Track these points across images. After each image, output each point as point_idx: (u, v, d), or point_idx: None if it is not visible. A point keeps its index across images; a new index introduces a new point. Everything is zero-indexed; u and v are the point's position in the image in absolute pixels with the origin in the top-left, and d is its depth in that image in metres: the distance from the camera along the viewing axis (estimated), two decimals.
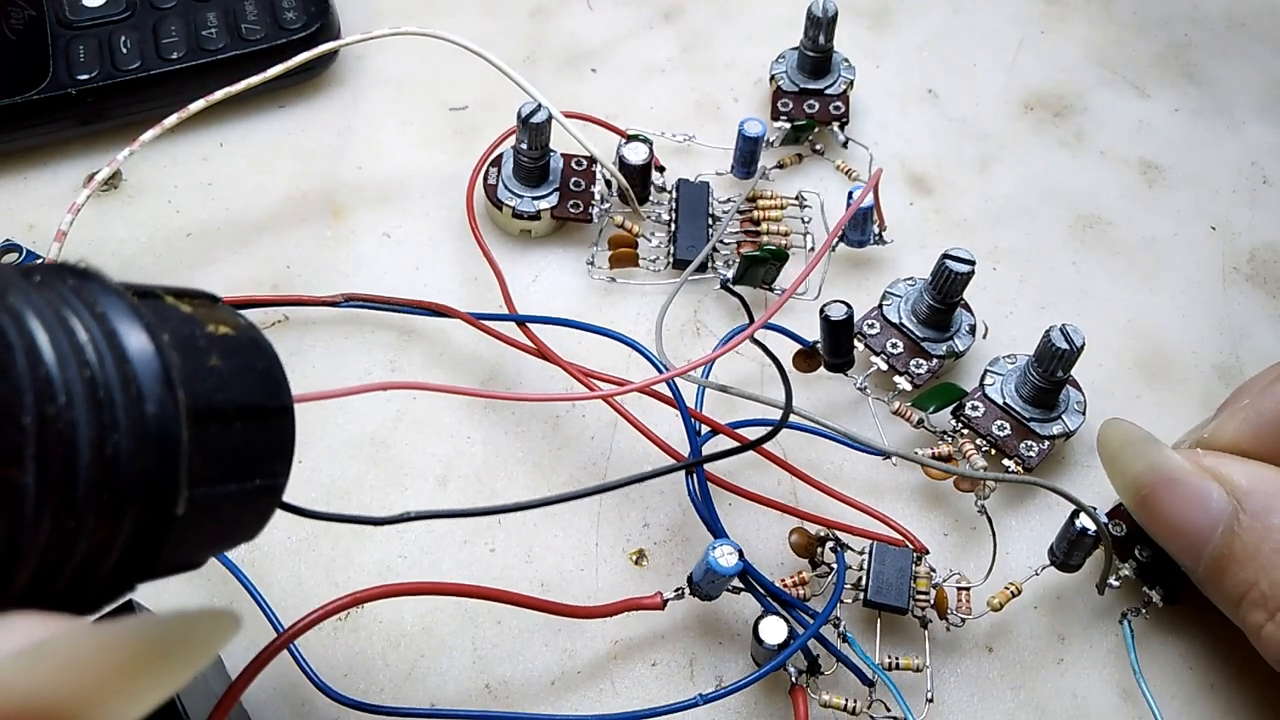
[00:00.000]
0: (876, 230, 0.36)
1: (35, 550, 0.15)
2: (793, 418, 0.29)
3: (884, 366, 0.34)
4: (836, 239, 0.36)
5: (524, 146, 0.35)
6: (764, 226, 0.37)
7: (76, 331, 0.16)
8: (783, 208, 0.37)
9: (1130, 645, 0.30)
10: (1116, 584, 0.31)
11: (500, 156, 0.37)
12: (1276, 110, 0.42)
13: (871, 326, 0.34)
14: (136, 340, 0.16)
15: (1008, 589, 0.31)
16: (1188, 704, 0.31)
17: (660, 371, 0.31)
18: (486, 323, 0.33)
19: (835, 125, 0.39)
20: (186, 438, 0.16)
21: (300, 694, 0.29)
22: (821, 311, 0.31)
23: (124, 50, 0.37)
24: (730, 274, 0.35)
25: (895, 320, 0.34)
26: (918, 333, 0.34)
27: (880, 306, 0.34)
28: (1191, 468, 0.28)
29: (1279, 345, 0.37)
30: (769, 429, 0.28)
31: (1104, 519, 0.29)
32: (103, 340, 0.16)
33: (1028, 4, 0.44)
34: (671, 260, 0.36)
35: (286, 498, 0.21)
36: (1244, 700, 0.31)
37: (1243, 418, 0.29)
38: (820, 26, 0.38)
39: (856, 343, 0.33)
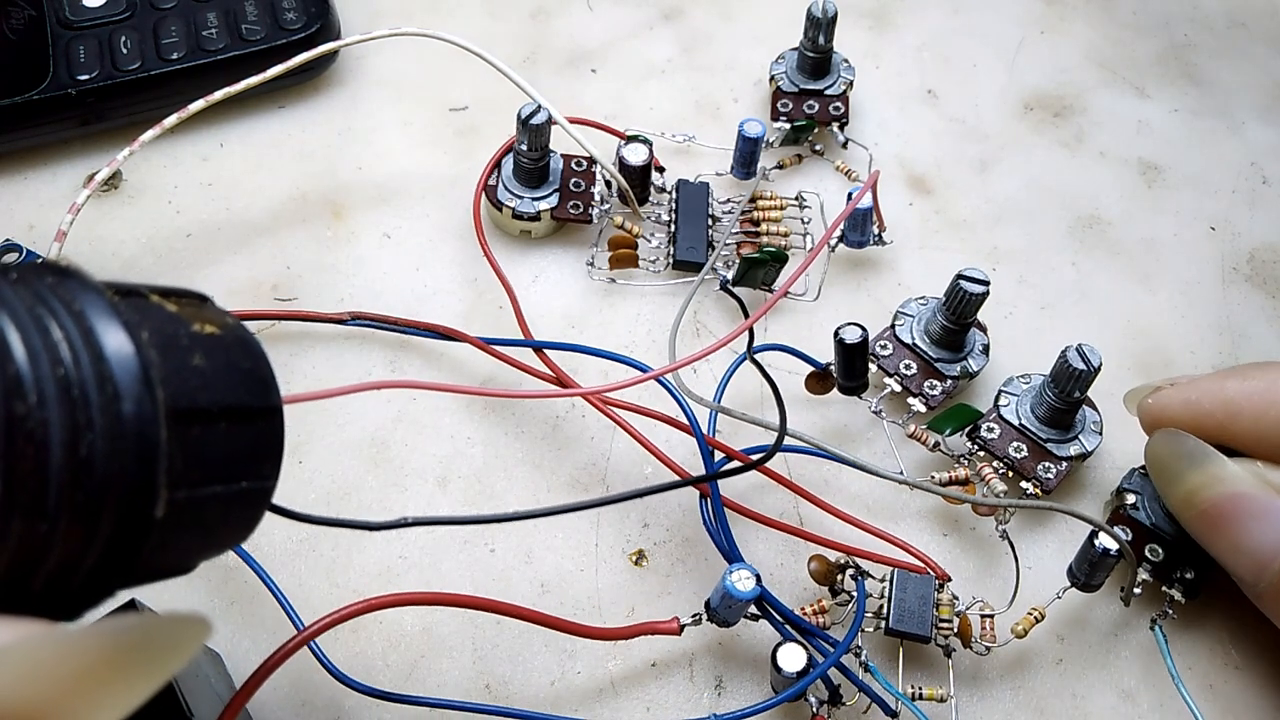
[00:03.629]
0: (876, 231, 0.36)
1: (4, 553, 0.15)
2: (807, 444, 0.28)
3: (898, 388, 0.33)
4: (836, 239, 0.36)
5: (523, 147, 0.35)
6: (764, 227, 0.37)
7: (50, 329, 0.15)
8: (782, 208, 0.37)
9: (1164, 649, 0.30)
10: (1139, 591, 0.31)
11: (502, 158, 0.37)
12: (1276, 110, 0.42)
13: (884, 347, 0.34)
14: (114, 338, 0.16)
15: (1031, 614, 0.30)
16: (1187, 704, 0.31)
17: (675, 396, 0.31)
18: (497, 348, 0.33)
19: (835, 126, 0.39)
20: (165, 438, 0.16)
21: (300, 694, 0.29)
22: (836, 334, 0.31)
23: (124, 50, 0.37)
24: (730, 275, 0.35)
25: (908, 341, 0.34)
26: (931, 353, 0.33)
27: (893, 327, 0.34)
28: (1256, 482, 0.27)
29: (1278, 345, 0.37)
30: (776, 451, 0.28)
31: (1125, 536, 0.29)
32: (79, 338, 0.16)
33: (1028, 4, 0.44)
34: (671, 261, 0.36)
35: (286, 501, 0.21)
36: (1243, 700, 0.31)
37: (1183, 399, 0.30)
38: (820, 27, 0.38)
39: (870, 364, 0.33)
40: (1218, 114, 0.42)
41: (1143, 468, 0.32)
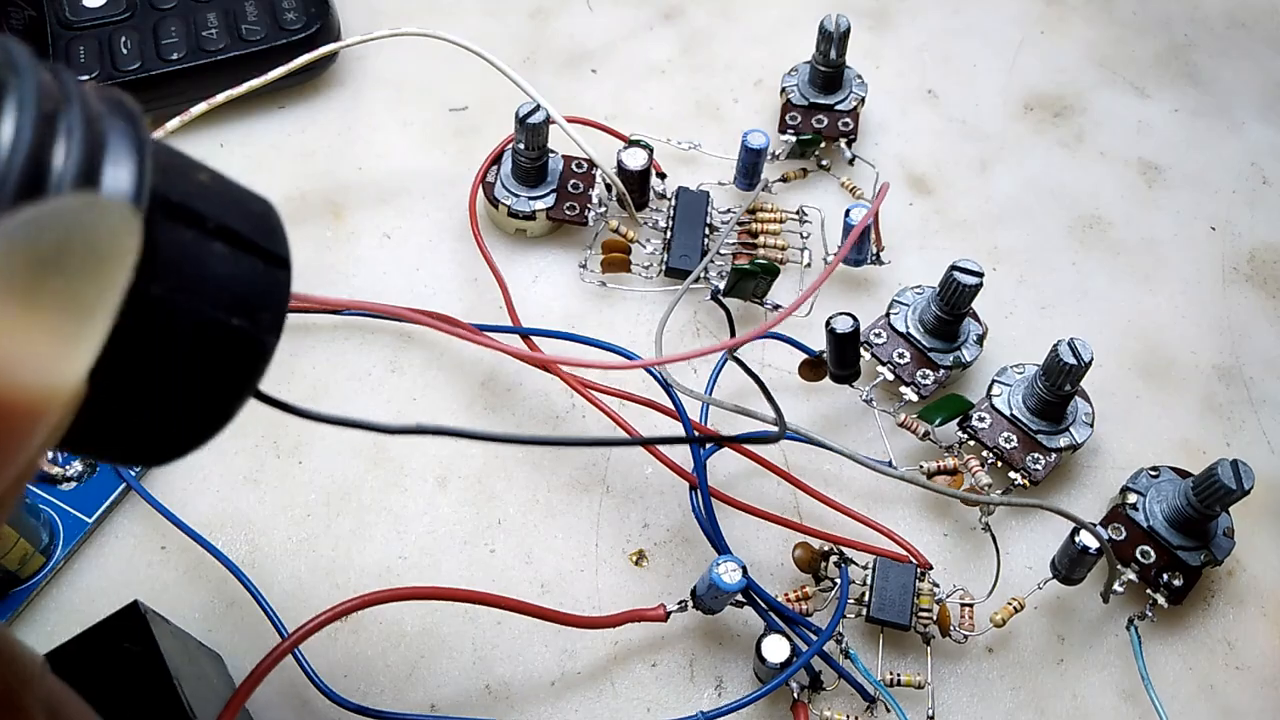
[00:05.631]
0: (874, 250, 0.36)
1: None
2: (795, 433, 0.28)
3: (890, 377, 0.33)
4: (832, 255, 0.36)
5: (521, 146, 0.35)
6: (762, 240, 0.36)
7: (61, 85, 0.14)
8: (781, 221, 0.37)
9: (1138, 651, 0.30)
10: (1120, 589, 0.31)
11: (501, 155, 0.37)
12: (1276, 110, 0.42)
13: (878, 336, 0.34)
14: (119, 112, 0.15)
15: (1010, 604, 0.30)
16: (1188, 704, 0.31)
17: (660, 384, 0.31)
18: (489, 335, 0.33)
19: (843, 142, 0.39)
20: (144, 206, 0.14)
21: (300, 694, 0.29)
22: (828, 324, 0.31)
23: (124, 51, 0.37)
24: (721, 285, 0.35)
25: (902, 330, 0.34)
26: (925, 343, 0.34)
27: (888, 315, 0.34)
28: None
29: (1279, 345, 0.37)
30: (775, 439, 0.28)
31: (1105, 534, 0.29)
32: (77, 101, 0.14)
33: (1028, 4, 0.44)
34: (664, 268, 0.36)
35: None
36: (1244, 700, 0.31)
37: None
38: (831, 41, 0.37)
39: (863, 352, 0.33)
40: (1218, 114, 0.42)
41: (1152, 469, 0.32)
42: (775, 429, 0.25)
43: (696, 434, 0.32)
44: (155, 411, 0.16)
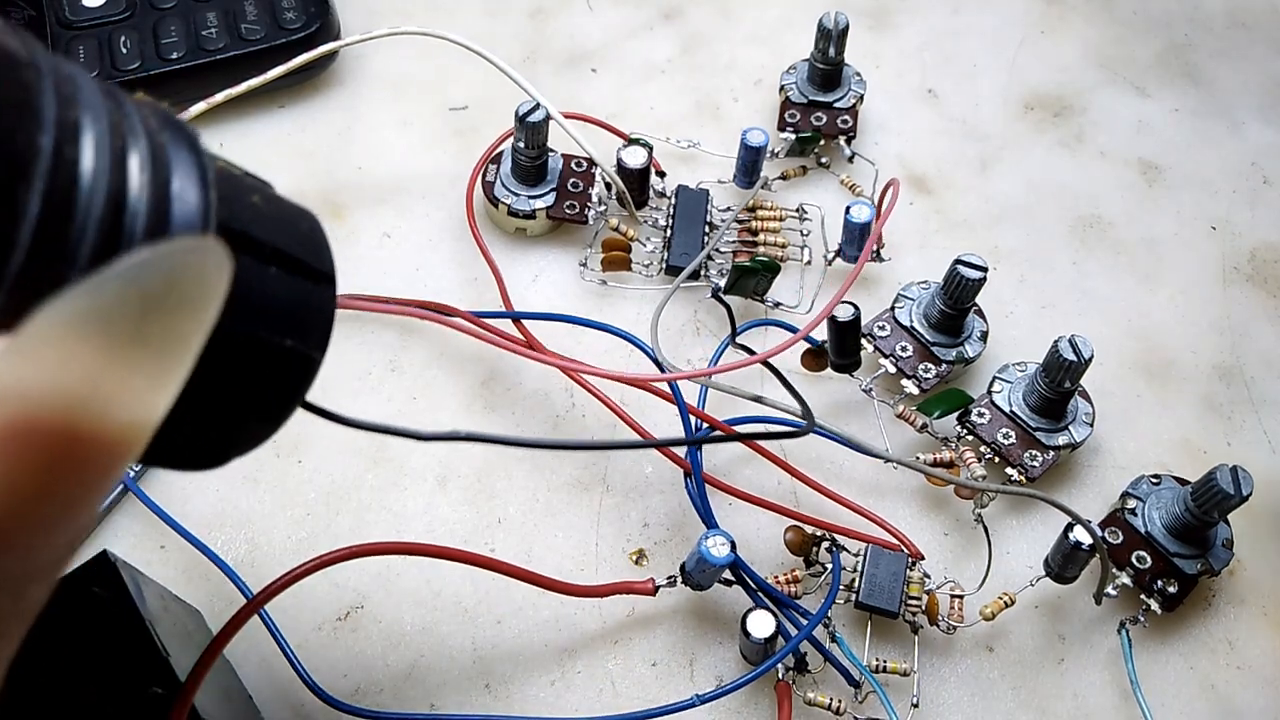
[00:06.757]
0: (875, 247, 0.36)
1: (9, 280, 0.13)
2: (822, 428, 0.28)
3: (892, 369, 0.34)
4: (833, 254, 0.36)
5: (521, 145, 0.35)
6: (762, 237, 0.36)
7: (125, 118, 0.15)
8: (781, 219, 0.37)
9: (1127, 654, 0.30)
10: (1114, 593, 0.31)
11: (501, 154, 0.37)
12: (1276, 110, 0.42)
13: (882, 329, 0.34)
14: (182, 149, 0.15)
15: (1001, 599, 0.30)
16: (1189, 704, 0.31)
17: (658, 368, 0.31)
18: (483, 320, 0.33)
19: (842, 139, 0.39)
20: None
21: (298, 696, 0.29)
22: None
23: (124, 50, 0.37)
24: (721, 283, 0.35)
25: (906, 323, 0.34)
26: (928, 337, 0.34)
27: (892, 309, 0.34)
28: None
29: (1279, 345, 0.37)
30: (772, 427, 0.28)
31: (1099, 532, 0.29)
32: (146, 140, 0.15)
33: (1028, 4, 0.44)
34: (664, 266, 0.36)
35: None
36: (1245, 700, 0.31)
37: None
38: (830, 39, 0.37)
39: (866, 344, 0.33)
40: (1218, 114, 0.42)
41: (1153, 477, 0.32)
42: (802, 421, 0.25)
43: (720, 432, 0.32)
44: (204, 426, 0.17)
